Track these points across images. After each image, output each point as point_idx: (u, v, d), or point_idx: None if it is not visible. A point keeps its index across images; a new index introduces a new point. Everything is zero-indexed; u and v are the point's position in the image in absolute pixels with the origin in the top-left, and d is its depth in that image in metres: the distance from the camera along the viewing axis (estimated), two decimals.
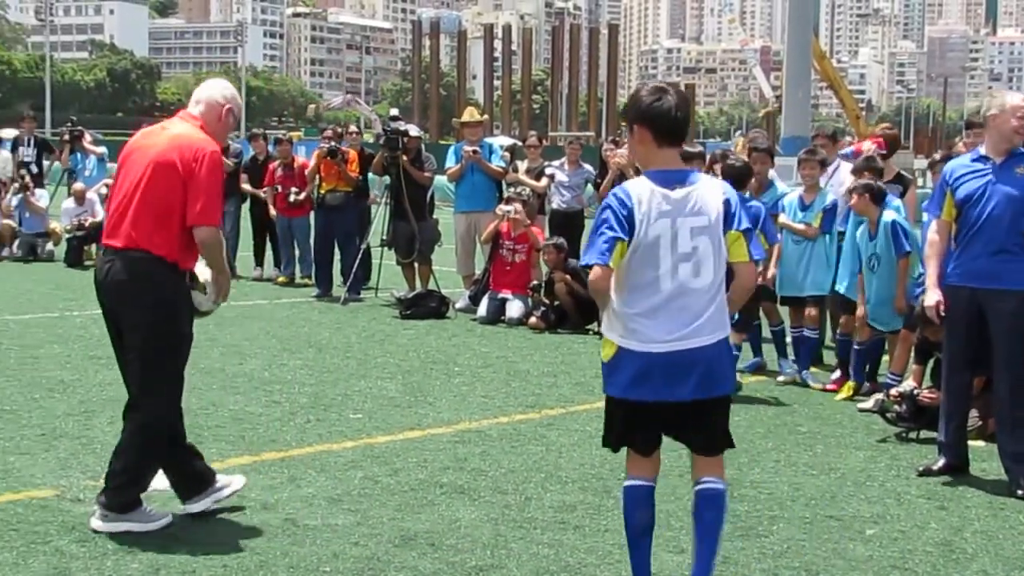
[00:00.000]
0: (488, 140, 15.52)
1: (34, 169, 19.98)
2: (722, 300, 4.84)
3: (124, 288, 5.78)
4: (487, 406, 8.78)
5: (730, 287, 4.95)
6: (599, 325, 5.53)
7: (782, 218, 10.22)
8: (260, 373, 9.89)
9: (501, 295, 13.31)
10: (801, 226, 10.11)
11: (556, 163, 15.48)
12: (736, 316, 5.35)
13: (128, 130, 46.01)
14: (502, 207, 13.82)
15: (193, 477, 6.08)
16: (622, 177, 13.89)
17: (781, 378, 10.12)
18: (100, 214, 18.48)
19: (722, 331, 4.85)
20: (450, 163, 14.68)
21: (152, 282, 5.75)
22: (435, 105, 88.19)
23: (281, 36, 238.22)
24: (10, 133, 21.27)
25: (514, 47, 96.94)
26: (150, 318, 5.77)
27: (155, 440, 5.88)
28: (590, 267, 4.74)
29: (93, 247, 18.40)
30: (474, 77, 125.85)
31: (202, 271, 6.26)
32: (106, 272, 5.84)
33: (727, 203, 4.84)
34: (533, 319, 12.80)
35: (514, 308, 13.09)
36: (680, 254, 4.74)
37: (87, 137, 21.02)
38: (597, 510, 6.33)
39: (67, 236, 18.39)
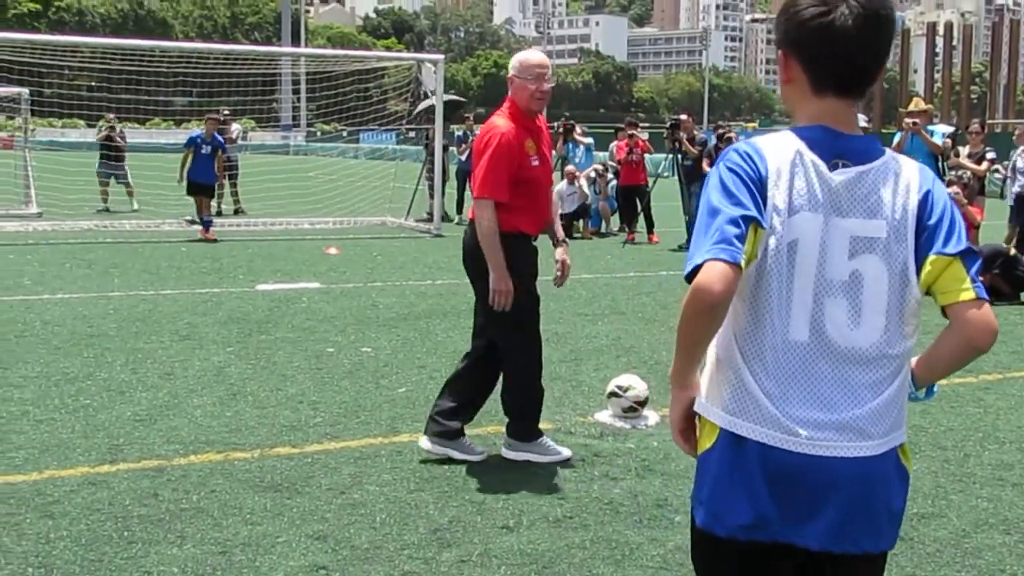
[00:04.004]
0: (930, 127, 14.76)
1: None
2: (903, 382, 2.39)
3: (467, 253, 5.83)
4: None
5: (940, 345, 2.40)
6: None
7: None
8: None
9: None
10: None
11: (1019, 151, 14.70)
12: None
13: (609, 123, 47.22)
14: None
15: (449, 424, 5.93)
16: None
17: None
18: (589, 196, 19.12)
19: (895, 432, 2.37)
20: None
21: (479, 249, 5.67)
22: (878, 97, 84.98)
23: (740, 39, 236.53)
24: None
25: (954, 42, 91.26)
26: (486, 279, 5.66)
27: (532, 379, 5.85)
28: (695, 272, 2.24)
29: (580, 223, 19.08)
30: (915, 71, 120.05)
31: (637, 384, 6.63)
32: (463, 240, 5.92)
33: (926, 202, 2.34)
34: None
35: None
36: (828, 282, 2.31)
37: (578, 129, 21.78)
38: None
39: (559, 213, 19.14)
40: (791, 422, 2.30)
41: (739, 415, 2.34)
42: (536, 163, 5.71)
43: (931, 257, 2.31)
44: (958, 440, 6.43)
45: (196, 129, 18.46)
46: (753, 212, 2.27)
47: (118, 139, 23.40)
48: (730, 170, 2.33)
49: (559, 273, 5.96)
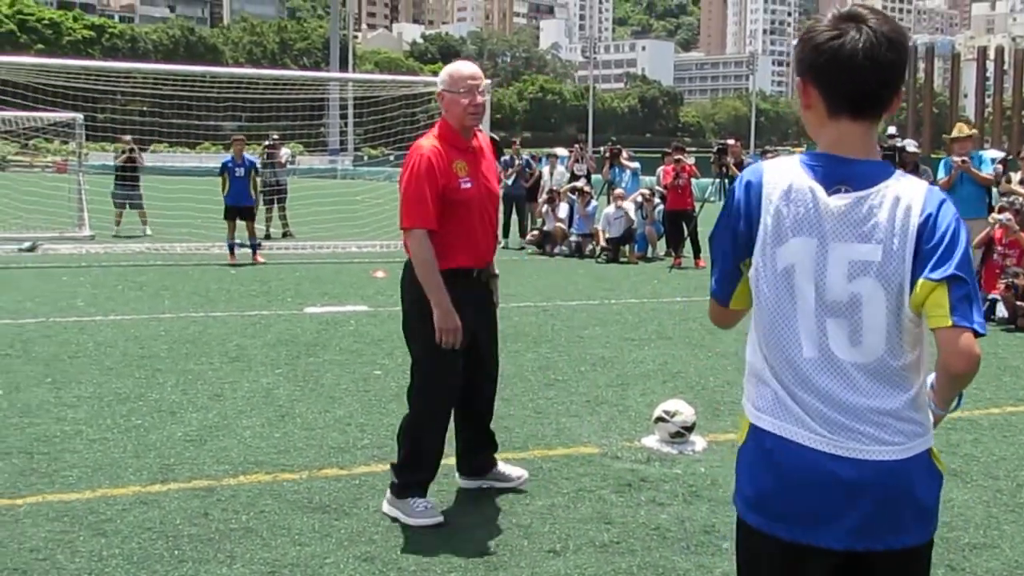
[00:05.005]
0: (980, 152, 14.64)
1: (581, 183, 21.03)
2: (918, 391, 2.45)
3: (401, 285, 5.42)
4: (978, 397, 8.24)
5: (935, 369, 2.50)
6: None
7: None
8: None
9: (991, 296, 12.50)
10: None
11: None
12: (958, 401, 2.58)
13: (655, 148, 47.15)
14: (995, 215, 13.00)
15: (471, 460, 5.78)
16: None
17: None
18: (636, 221, 19.11)
19: (917, 439, 2.43)
20: (941, 175, 13.99)
21: (407, 283, 5.31)
22: (927, 123, 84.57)
23: (787, 64, 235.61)
24: (562, 152, 22.61)
25: (1005, 67, 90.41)
26: (407, 317, 5.37)
27: (422, 429, 5.34)
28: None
29: (626, 247, 19.06)
30: (965, 96, 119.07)
31: (684, 409, 6.61)
32: None
33: (926, 225, 2.36)
34: (1021, 319, 11.94)
35: (1003, 308, 12.26)
36: (828, 304, 2.40)
37: (624, 154, 21.80)
38: None
39: (606, 237, 19.14)
40: (811, 418, 2.42)
41: (764, 412, 2.48)
42: (468, 185, 5.18)
43: (920, 281, 2.35)
44: (1011, 469, 6.35)
45: (247, 153, 18.63)
46: (735, 260, 2.53)
47: (138, 159, 23.11)
48: (727, 204, 2.53)
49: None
